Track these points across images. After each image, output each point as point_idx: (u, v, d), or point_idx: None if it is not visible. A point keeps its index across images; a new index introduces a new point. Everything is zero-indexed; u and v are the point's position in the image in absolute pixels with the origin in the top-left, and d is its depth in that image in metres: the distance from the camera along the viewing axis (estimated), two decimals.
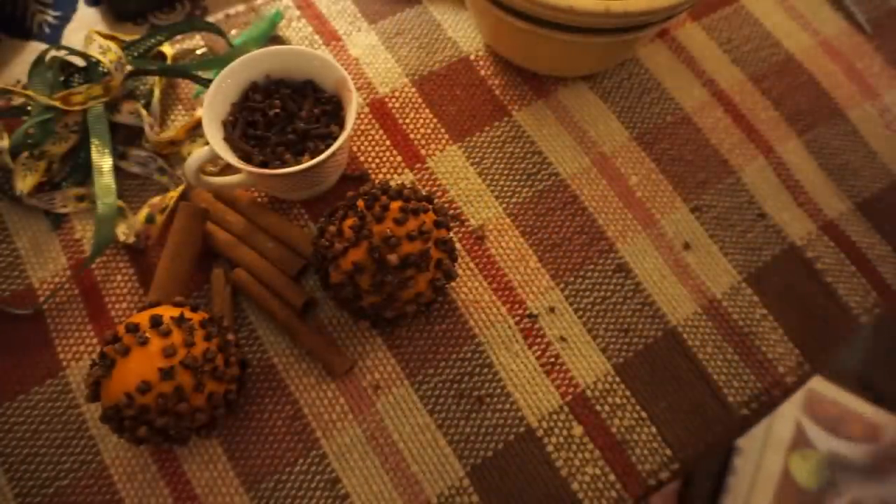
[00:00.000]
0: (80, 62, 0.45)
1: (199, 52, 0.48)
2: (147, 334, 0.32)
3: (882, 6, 0.53)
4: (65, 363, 0.38)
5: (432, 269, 0.35)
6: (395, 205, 0.35)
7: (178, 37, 0.48)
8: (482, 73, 0.48)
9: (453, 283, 0.41)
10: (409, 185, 0.41)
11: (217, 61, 0.45)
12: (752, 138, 0.47)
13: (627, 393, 0.39)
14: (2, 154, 0.41)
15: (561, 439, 0.37)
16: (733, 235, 0.43)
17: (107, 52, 0.43)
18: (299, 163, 0.37)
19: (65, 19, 0.49)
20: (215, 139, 0.38)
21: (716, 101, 0.48)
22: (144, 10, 0.49)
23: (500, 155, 0.45)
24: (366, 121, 0.46)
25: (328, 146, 0.38)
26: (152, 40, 0.46)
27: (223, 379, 0.33)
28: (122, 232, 0.41)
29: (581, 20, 0.37)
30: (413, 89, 0.47)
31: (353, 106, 0.38)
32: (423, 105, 0.46)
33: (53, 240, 0.42)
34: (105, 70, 0.43)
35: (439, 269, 0.36)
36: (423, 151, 0.45)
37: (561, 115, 0.47)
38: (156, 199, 0.42)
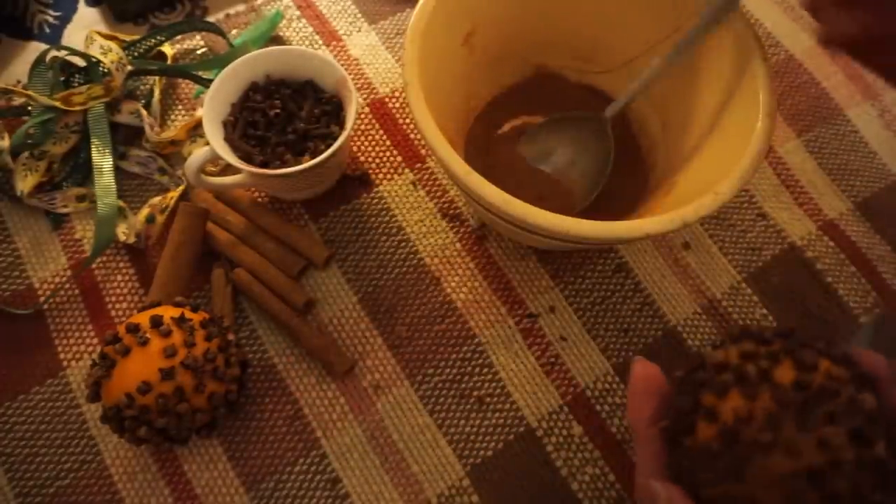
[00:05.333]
0: (80, 62, 0.45)
1: (199, 52, 0.48)
2: (147, 334, 0.32)
3: None
4: (65, 363, 0.38)
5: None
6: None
7: (179, 37, 0.48)
8: None
9: (453, 283, 0.41)
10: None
11: (217, 61, 0.45)
12: None
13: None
14: (2, 154, 0.41)
15: (561, 439, 0.37)
16: (733, 235, 0.43)
17: (108, 53, 0.43)
18: (299, 163, 0.37)
19: (65, 19, 0.49)
20: (216, 139, 0.38)
21: None
22: (144, 11, 0.49)
23: None
24: (366, 121, 0.46)
25: (328, 146, 0.38)
26: (152, 40, 0.46)
27: (224, 379, 0.33)
28: (123, 232, 0.41)
29: None
30: None
31: (354, 106, 0.38)
32: None
33: (54, 240, 0.42)
34: (106, 70, 0.43)
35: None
36: (423, 151, 0.45)
37: None
38: (156, 199, 0.42)
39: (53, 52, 0.44)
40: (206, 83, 0.45)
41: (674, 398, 0.25)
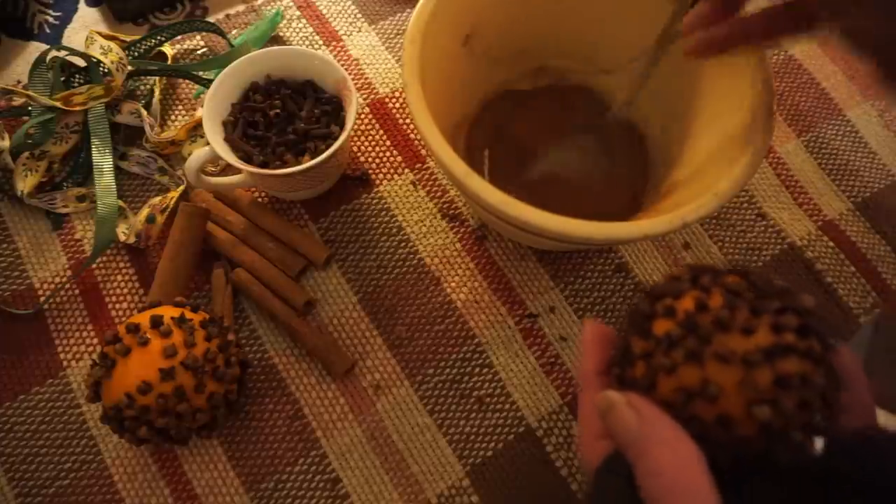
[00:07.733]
0: (80, 62, 0.45)
1: (199, 52, 0.48)
2: (148, 335, 0.32)
3: None
4: (65, 363, 0.38)
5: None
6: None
7: (179, 37, 0.48)
8: None
9: (453, 283, 0.41)
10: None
11: (217, 61, 0.45)
12: None
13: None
14: (3, 154, 0.41)
15: (560, 439, 0.37)
16: (733, 235, 0.43)
17: (108, 53, 0.43)
18: (300, 163, 0.37)
19: (65, 20, 0.49)
20: (216, 139, 0.38)
21: None
22: (144, 11, 0.49)
23: None
24: (366, 121, 0.46)
25: (328, 146, 0.38)
26: (153, 40, 0.46)
27: (224, 379, 0.33)
28: (123, 232, 0.41)
29: None
30: None
31: (353, 106, 0.38)
32: None
33: (54, 240, 0.42)
34: (106, 70, 0.43)
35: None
36: (423, 151, 0.45)
37: None
38: (156, 199, 0.42)
39: (53, 53, 0.44)
40: (206, 83, 0.45)
41: (633, 306, 0.26)
